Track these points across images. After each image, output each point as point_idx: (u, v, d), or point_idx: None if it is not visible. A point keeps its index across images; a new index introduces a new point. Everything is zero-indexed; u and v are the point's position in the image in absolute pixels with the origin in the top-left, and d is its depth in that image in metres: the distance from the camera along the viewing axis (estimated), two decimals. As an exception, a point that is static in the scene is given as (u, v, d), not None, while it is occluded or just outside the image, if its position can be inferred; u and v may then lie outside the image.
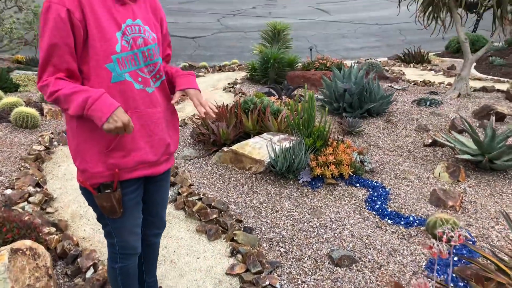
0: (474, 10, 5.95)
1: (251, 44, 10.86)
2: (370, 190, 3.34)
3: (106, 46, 1.46)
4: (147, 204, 1.81)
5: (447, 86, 6.44)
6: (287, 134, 3.72)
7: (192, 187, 3.31)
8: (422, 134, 4.42)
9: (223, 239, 2.69)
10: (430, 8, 5.66)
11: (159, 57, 1.65)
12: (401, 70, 7.78)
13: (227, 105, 4.08)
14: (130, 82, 1.53)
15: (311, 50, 8.30)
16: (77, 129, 1.52)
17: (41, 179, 3.38)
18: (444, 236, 1.36)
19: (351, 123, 4.33)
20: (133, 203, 1.66)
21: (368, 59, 8.73)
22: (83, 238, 2.72)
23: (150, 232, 1.91)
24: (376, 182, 3.45)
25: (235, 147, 3.59)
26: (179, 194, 3.18)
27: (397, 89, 6.09)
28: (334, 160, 3.43)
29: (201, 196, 3.11)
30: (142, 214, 1.79)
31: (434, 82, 6.58)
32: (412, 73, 7.73)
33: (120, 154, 1.54)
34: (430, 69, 7.93)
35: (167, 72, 1.74)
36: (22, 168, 3.48)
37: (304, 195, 3.24)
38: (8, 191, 3.11)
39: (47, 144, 3.92)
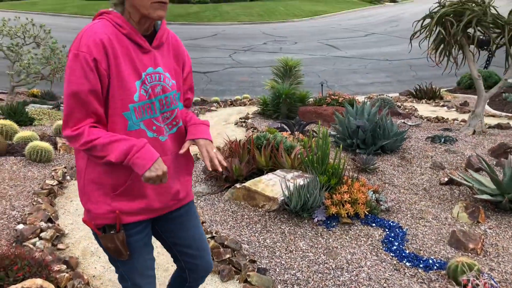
0: (486, 48, 5.98)
1: (262, 79, 10.99)
2: (387, 230, 3.26)
3: (125, 95, 1.48)
4: (179, 247, 1.78)
5: (461, 123, 6.40)
6: (301, 171, 3.68)
7: (204, 224, 3.26)
8: (438, 172, 4.35)
9: (236, 280, 2.62)
10: (442, 46, 5.70)
11: (177, 104, 1.64)
12: (413, 106, 7.77)
13: (239, 140, 4.07)
14: (144, 131, 1.54)
15: (322, 85, 8.36)
16: (86, 169, 1.53)
17: (53, 214, 3.36)
18: (470, 284, 1.30)
19: (365, 160, 4.28)
20: (140, 245, 1.65)
21: (379, 94, 8.76)
22: (93, 276, 2.67)
23: (196, 276, 1.86)
24: (392, 222, 3.37)
25: (248, 183, 3.56)
26: (191, 232, 3.12)
27: (410, 125, 6.06)
28: (349, 198, 3.37)
29: (214, 234, 3.05)
30: (183, 258, 1.79)
31: (448, 118, 6.55)
32: (425, 109, 7.72)
33: (125, 198, 1.55)
34: (443, 105, 7.92)
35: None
36: (34, 203, 3.47)
37: (319, 234, 3.16)
38: (20, 226, 3.09)
39: (60, 178, 3.92)
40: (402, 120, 6.29)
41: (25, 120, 5.51)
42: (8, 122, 4.87)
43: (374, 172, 4.33)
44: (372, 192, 3.61)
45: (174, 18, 24.31)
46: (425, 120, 6.60)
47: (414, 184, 4.11)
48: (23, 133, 4.65)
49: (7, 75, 7.14)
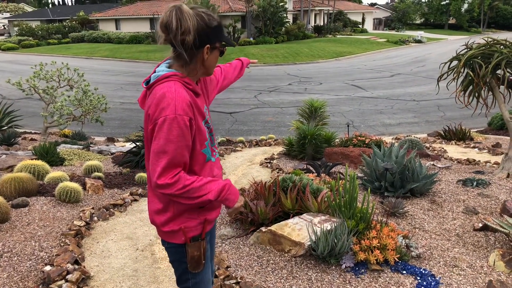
0: (516, 89, 5.86)
1: (287, 119, 11.07)
2: (418, 278, 3.11)
3: (202, 137, 1.77)
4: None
5: (494, 165, 6.20)
6: (328, 215, 3.60)
7: (229, 269, 3.20)
8: (471, 217, 4.18)
9: (262, 330, 2.52)
10: (471, 87, 5.62)
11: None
12: (443, 148, 7.60)
13: (265, 183, 4.05)
14: (210, 159, 1.86)
15: (348, 126, 8.34)
16: (174, 204, 1.80)
17: (80, 256, 3.37)
18: None
19: (394, 204, 4.17)
20: (209, 254, 1.99)
21: (407, 135, 8.65)
22: (116, 323, 2.62)
23: None
24: (424, 270, 3.22)
25: (273, 227, 3.50)
26: (216, 276, 3.06)
27: (440, 167, 5.91)
28: (378, 244, 3.26)
29: (239, 279, 2.98)
30: None
31: (479, 161, 6.36)
32: (454, 150, 7.54)
33: (209, 209, 1.85)
34: (474, 147, 7.72)
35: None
36: (62, 244, 3.50)
37: (347, 282, 3.05)
38: (47, 268, 3.11)
39: (87, 219, 3.97)
40: (431, 162, 6.15)
41: (56, 160, 5.67)
42: (40, 162, 5.02)
43: (404, 216, 4.20)
44: (402, 238, 3.49)
45: (201, 60, 25.06)
46: (456, 162, 6.43)
47: (446, 229, 3.96)
48: (54, 173, 4.78)
49: (41, 116, 7.43)
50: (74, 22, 42.09)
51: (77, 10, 48.46)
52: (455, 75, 5.70)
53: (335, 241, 3.19)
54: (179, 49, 1.71)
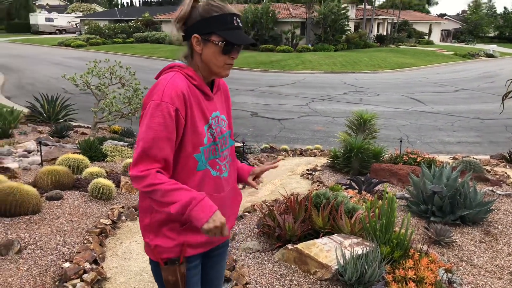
0: None
1: (338, 129, 10.69)
2: (459, 321, 2.73)
3: (197, 139, 1.61)
4: (203, 282, 1.87)
5: None
6: (361, 239, 3.30)
7: (248, 286, 3.00)
8: (530, 255, 3.68)
9: None
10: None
11: (231, 141, 1.83)
12: (506, 173, 6.91)
13: (297, 197, 3.81)
14: (209, 170, 1.67)
15: (401, 141, 7.84)
16: (152, 207, 1.63)
17: (100, 255, 3.32)
18: None
19: (439, 232, 3.77)
20: (195, 280, 1.75)
21: (465, 156, 8.00)
22: (121, 332, 2.51)
23: None
24: (467, 312, 2.83)
25: (300, 245, 3.25)
26: (232, 293, 2.87)
27: (499, 194, 5.33)
28: (414, 276, 2.91)
29: (255, 300, 2.77)
30: None
31: (546, 190, 5.68)
32: (519, 176, 6.82)
33: (191, 232, 1.64)
34: (541, 174, 6.94)
35: None
36: (85, 241, 3.47)
37: (375, 315, 2.74)
38: (66, 265, 3.08)
39: (114, 218, 3.93)
40: (490, 188, 5.58)
41: (98, 156, 5.76)
42: (80, 157, 5.10)
43: (450, 246, 3.78)
44: (443, 271, 3.11)
45: (256, 65, 25.15)
46: (519, 189, 5.79)
47: (498, 266, 3.50)
48: (92, 169, 4.82)
49: (92, 111, 7.65)
50: (139, 23, 43.94)
51: (143, 11, 50.62)
52: (523, 93, 5.13)
53: (365, 267, 2.89)
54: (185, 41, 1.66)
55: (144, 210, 1.67)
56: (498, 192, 5.51)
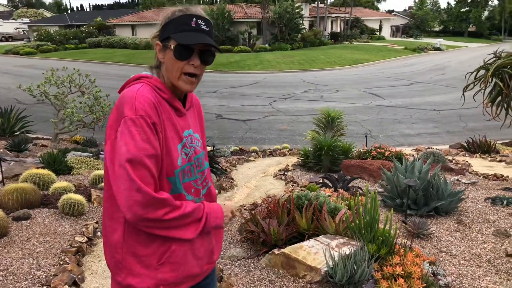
0: (548, 100, 5.50)
1: (302, 127, 10.80)
2: (448, 312, 2.80)
3: (170, 160, 1.42)
4: None
5: (523, 181, 5.81)
6: (346, 238, 3.32)
7: (238, 295, 2.94)
8: (503, 241, 3.84)
9: None
10: (499, 98, 5.29)
11: (206, 163, 1.64)
12: (466, 161, 7.22)
13: (278, 200, 3.78)
14: (183, 194, 1.48)
15: (366, 137, 8.02)
16: (124, 242, 1.42)
17: (79, 276, 3.15)
18: None
19: (418, 225, 3.86)
20: None
21: (428, 147, 8.29)
22: None
23: None
24: (454, 302, 2.91)
25: (287, 250, 3.22)
26: (223, 305, 2.80)
27: (465, 183, 5.55)
28: (402, 272, 2.95)
29: (248, 309, 2.72)
30: None
31: (508, 176, 5.97)
32: (479, 164, 7.15)
33: (169, 268, 1.44)
34: (500, 160, 7.31)
35: None
36: (61, 262, 3.29)
37: (367, 314, 2.75)
38: (43, 289, 2.89)
39: (90, 235, 3.75)
40: (456, 177, 5.80)
41: (63, 169, 5.50)
42: (45, 171, 4.84)
43: (428, 238, 3.88)
44: (428, 264, 3.18)
45: (215, 67, 25.01)
46: (482, 177, 6.06)
47: (475, 254, 3.63)
48: (59, 184, 4.59)
49: (52, 123, 7.30)
50: (91, 28, 42.60)
51: (94, 15, 49.13)
52: (482, 85, 5.37)
53: (355, 267, 2.91)
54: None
55: (115, 244, 1.43)
56: (463, 180, 5.73)
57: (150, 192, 1.30)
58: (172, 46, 1.42)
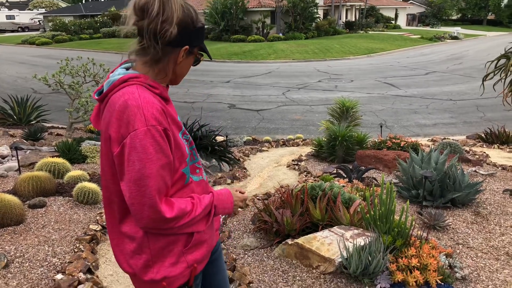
0: None
1: (316, 117, 10.71)
2: (465, 305, 2.75)
3: (180, 152, 1.42)
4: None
5: (543, 173, 5.66)
6: (361, 229, 3.27)
7: (251, 285, 2.93)
8: (522, 233, 3.75)
9: None
10: (520, 88, 5.14)
11: None
12: (484, 152, 7.07)
13: (292, 190, 3.75)
14: (191, 178, 1.50)
15: (381, 127, 7.91)
16: (149, 240, 1.42)
17: (94, 264, 3.18)
18: None
19: (434, 216, 3.79)
20: None
21: (444, 137, 8.15)
22: None
23: None
24: (471, 295, 2.85)
25: (301, 240, 3.20)
26: (236, 294, 2.80)
27: (483, 174, 5.44)
28: (418, 264, 2.91)
29: (261, 299, 2.71)
30: None
31: (526, 167, 5.83)
32: (497, 155, 7.00)
33: (196, 248, 1.49)
34: (518, 152, 7.15)
35: None
36: (76, 250, 3.32)
37: (382, 306, 2.72)
38: (59, 276, 2.92)
39: (104, 223, 3.77)
40: (473, 169, 5.68)
41: (78, 158, 5.54)
42: (60, 160, 4.88)
43: (445, 230, 3.81)
44: (444, 256, 3.13)
45: (229, 56, 24.92)
46: (500, 168, 5.92)
47: (493, 246, 3.55)
48: (73, 172, 4.62)
49: (67, 112, 7.36)
50: (105, 18, 42.74)
51: (108, 5, 49.19)
52: (502, 74, 5.23)
53: (369, 259, 2.87)
54: (150, 41, 1.34)
55: (139, 244, 1.43)
56: (481, 172, 5.62)
57: (162, 211, 1.32)
58: (196, 55, 1.48)
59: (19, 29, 52.66)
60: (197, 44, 1.45)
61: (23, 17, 55.36)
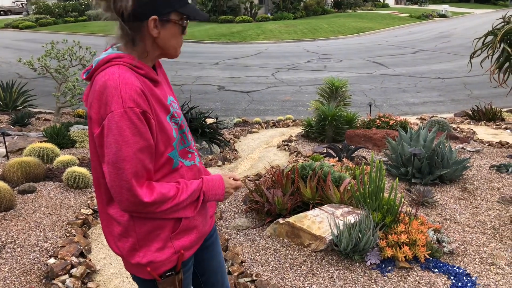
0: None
1: (305, 98, 10.70)
2: (452, 278, 2.83)
3: (166, 136, 1.39)
4: (207, 275, 1.77)
5: (528, 149, 5.76)
6: (351, 207, 3.32)
7: (244, 264, 2.97)
8: (508, 207, 3.84)
9: (279, 338, 2.29)
10: (507, 64, 5.18)
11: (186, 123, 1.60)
12: (471, 129, 7.16)
13: (282, 170, 3.77)
14: (182, 163, 1.48)
15: (370, 106, 7.94)
16: (135, 223, 1.40)
17: (86, 247, 3.19)
18: None
19: (423, 193, 3.85)
20: (189, 281, 1.61)
21: (432, 116, 8.21)
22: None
23: None
24: (458, 268, 2.93)
25: (292, 219, 3.23)
26: (229, 273, 2.83)
27: (470, 151, 5.52)
28: (407, 240, 2.97)
29: (254, 277, 2.75)
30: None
31: (513, 143, 5.92)
32: (484, 132, 7.09)
33: (184, 233, 1.48)
34: (505, 128, 7.24)
35: None
36: (68, 234, 3.32)
37: (372, 280, 2.78)
38: (51, 261, 2.93)
39: (95, 207, 3.77)
40: (460, 145, 5.76)
41: (67, 143, 5.49)
42: (49, 145, 4.83)
43: (433, 206, 3.88)
44: (433, 232, 3.19)
45: (217, 37, 24.63)
46: (486, 145, 6.01)
47: (480, 221, 3.63)
48: (63, 157, 4.59)
49: (54, 96, 7.25)
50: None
51: (93, -13, 48.06)
52: (489, 51, 5.25)
53: (359, 236, 2.92)
54: (118, 22, 1.31)
55: (123, 231, 1.42)
56: (468, 148, 5.69)
57: (139, 195, 1.29)
58: (179, 21, 1.36)
59: (1, 12, 51.30)
60: (169, 10, 1.33)
61: (5, 0, 53.92)
